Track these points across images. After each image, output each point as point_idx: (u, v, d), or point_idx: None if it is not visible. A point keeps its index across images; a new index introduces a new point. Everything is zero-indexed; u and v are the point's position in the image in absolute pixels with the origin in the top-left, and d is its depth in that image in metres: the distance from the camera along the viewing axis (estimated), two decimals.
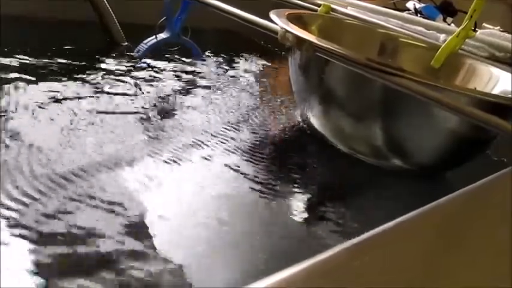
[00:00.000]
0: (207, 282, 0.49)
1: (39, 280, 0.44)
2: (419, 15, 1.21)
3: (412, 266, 0.28)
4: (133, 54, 1.08)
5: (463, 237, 0.32)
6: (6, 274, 0.44)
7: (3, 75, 0.85)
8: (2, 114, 0.71)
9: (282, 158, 0.79)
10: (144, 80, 0.99)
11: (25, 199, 0.54)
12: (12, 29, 1.03)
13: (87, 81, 0.91)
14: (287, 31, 0.72)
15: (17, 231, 0.49)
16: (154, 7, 1.09)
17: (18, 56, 0.95)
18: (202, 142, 0.77)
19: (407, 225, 0.31)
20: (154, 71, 1.06)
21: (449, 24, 1.18)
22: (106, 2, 1.14)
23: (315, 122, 0.84)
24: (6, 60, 0.91)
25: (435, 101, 0.58)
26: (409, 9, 1.28)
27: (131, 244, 0.51)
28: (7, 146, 0.63)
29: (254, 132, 0.85)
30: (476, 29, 1.04)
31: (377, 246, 0.28)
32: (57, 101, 0.80)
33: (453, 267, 0.27)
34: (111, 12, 1.14)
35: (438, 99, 0.57)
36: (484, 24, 1.28)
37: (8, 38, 0.99)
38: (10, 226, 0.49)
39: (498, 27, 1.22)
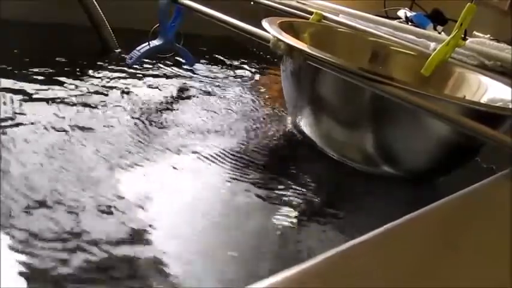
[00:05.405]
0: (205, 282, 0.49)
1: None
2: (410, 23, 1.22)
3: (407, 270, 0.28)
4: (126, 61, 1.07)
5: (458, 240, 0.32)
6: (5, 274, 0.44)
7: None
8: None
9: (272, 165, 0.79)
10: (136, 87, 0.99)
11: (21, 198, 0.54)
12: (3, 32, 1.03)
13: (77, 89, 0.91)
14: (279, 39, 0.73)
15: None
16: (148, 12, 1.09)
17: (7, 61, 0.95)
18: (194, 149, 0.77)
19: (401, 229, 0.31)
20: (146, 79, 1.06)
21: (439, 33, 1.20)
22: (99, 9, 1.14)
23: (306, 129, 0.85)
24: None
25: (424, 109, 0.58)
26: (400, 18, 1.30)
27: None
28: None
29: (246, 140, 0.85)
30: (467, 37, 1.05)
31: (370, 250, 0.29)
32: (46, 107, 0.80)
33: (448, 270, 0.28)
34: (104, 19, 1.15)
35: (427, 107, 0.58)
36: (475, 32, 1.29)
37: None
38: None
39: (488, 36, 1.23)
